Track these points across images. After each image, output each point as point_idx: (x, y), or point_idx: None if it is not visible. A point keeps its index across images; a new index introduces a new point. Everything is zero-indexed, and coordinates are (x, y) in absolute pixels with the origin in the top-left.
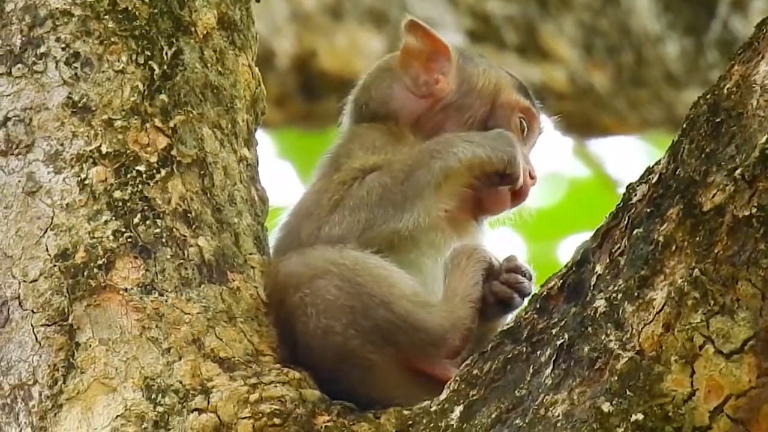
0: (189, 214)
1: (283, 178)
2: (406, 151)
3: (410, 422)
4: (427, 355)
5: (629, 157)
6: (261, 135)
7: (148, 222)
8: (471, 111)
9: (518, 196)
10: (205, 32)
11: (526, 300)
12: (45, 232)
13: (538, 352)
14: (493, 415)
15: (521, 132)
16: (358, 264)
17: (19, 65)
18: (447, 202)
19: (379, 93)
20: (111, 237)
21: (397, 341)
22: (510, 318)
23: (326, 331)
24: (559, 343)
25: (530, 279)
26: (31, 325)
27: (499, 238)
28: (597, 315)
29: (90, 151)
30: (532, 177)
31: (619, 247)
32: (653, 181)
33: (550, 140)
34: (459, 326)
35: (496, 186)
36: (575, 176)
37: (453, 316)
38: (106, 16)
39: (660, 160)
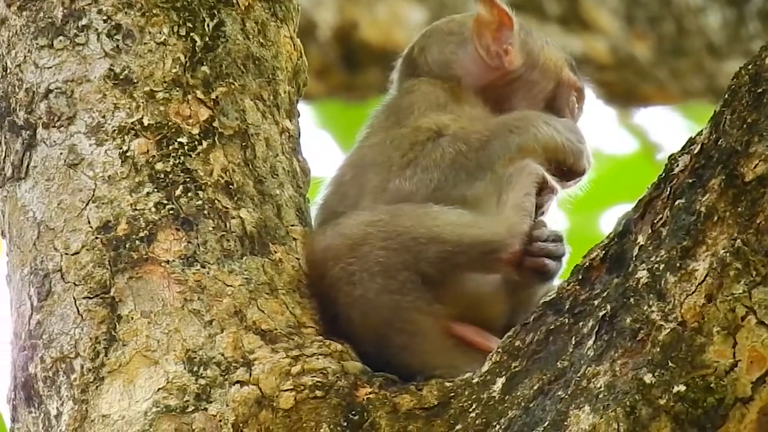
0: (231, 186)
1: (324, 150)
2: (481, 119)
3: (452, 394)
4: (491, 267)
5: (671, 127)
6: (302, 106)
7: (189, 194)
8: (538, 86)
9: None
10: (246, 4)
11: (564, 260)
12: (87, 205)
13: (580, 324)
14: (535, 387)
15: (572, 112)
16: (394, 215)
17: (61, 37)
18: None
19: (442, 56)
20: (153, 209)
21: (458, 265)
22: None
23: (379, 293)
24: (601, 314)
25: (560, 241)
26: (73, 298)
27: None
28: (639, 286)
29: (132, 123)
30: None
31: (661, 218)
32: (695, 151)
33: (593, 111)
34: (515, 231)
35: (558, 175)
36: (617, 148)
37: (507, 223)
38: None
39: (702, 131)
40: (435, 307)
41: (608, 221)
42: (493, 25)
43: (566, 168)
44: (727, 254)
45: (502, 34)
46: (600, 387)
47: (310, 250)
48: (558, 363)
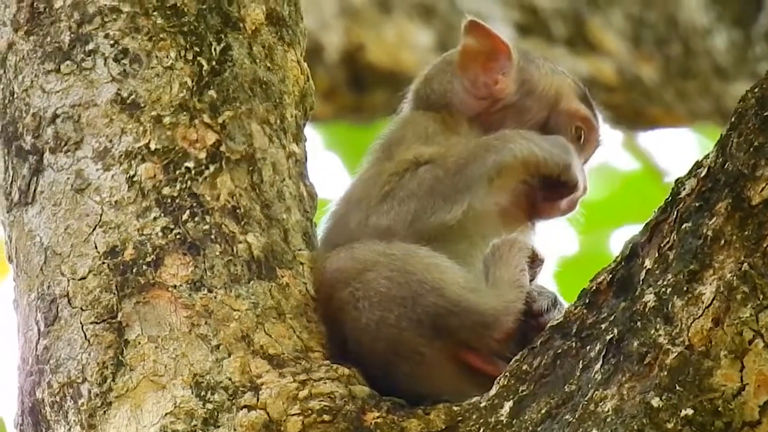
0: (238, 211)
1: (331, 171)
2: (461, 143)
3: (460, 418)
4: (481, 340)
5: (678, 149)
6: (309, 128)
7: (197, 218)
8: (530, 114)
9: (568, 205)
10: (253, 28)
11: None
12: (94, 230)
13: (588, 347)
14: (543, 411)
15: (577, 140)
16: (407, 254)
17: (68, 62)
18: (499, 196)
19: (441, 85)
20: (160, 234)
21: (449, 326)
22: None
23: (379, 323)
24: (608, 338)
25: (557, 304)
26: (80, 323)
27: (551, 230)
28: (646, 310)
29: (139, 147)
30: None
31: (668, 242)
32: (702, 174)
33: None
34: (511, 308)
35: (553, 192)
36: (626, 168)
37: (504, 299)
38: (155, 13)
39: (708, 154)
40: (436, 343)
41: (618, 241)
42: (483, 55)
43: (558, 182)
44: (734, 278)
45: (496, 62)
46: (608, 411)
47: (321, 270)
48: (565, 387)
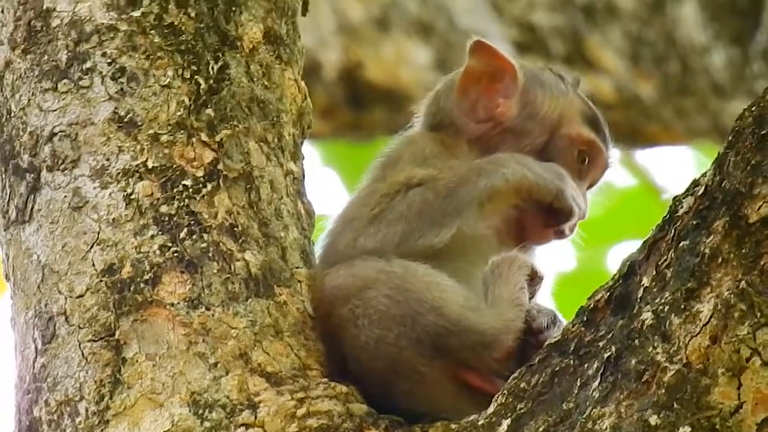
0: (235, 229)
1: (329, 188)
2: (455, 165)
3: None
4: (480, 359)
5: (676, 165)
6: (307, 145)
7: (194, 236)
8: (529, 138)
9: (562, 232)
10: (251, 46)
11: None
12: (91, 248)
13: (586, 365)
14: (541, 429)
15: (581, 163)
16: (407, 272)
17: (65, 80)
18: (490, 221)
19: (445, 105)
20: (157, 252)
21: (449, 346)
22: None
23: (378, 342)
24: (606, 355)
25: (556, 322)
26: (78, 341)
27: (550, 246)
28: (644, 327)
29: (136, 165)
30: (581, 214)
31: (665, 260)
32: (699, 193)
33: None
34: (511, 327)
35: (548, 217)
36: (624, 185)
37: (503, 318)
38: (152, 31)
39: (706, 172)
40: (435, 362)
41: (616, 258)
42: (487, 76)
43: (552, 208)
44: (732, 296)
45: (501, 84)
46: (605, 429)
47: (321, 286)
48: (563, 405)
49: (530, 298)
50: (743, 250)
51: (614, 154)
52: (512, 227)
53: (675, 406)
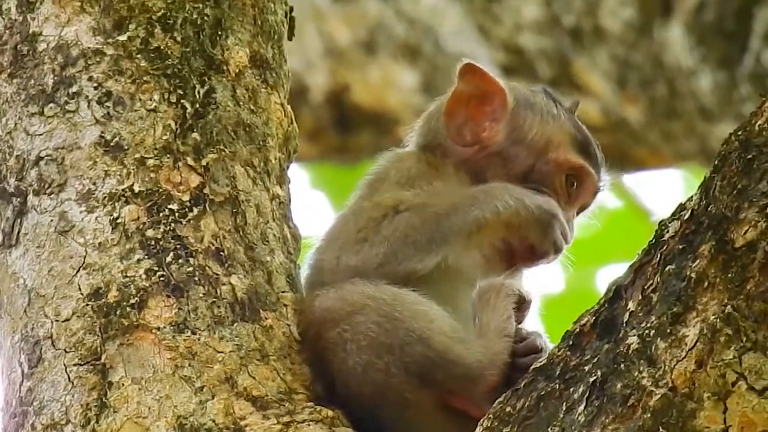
0: (222, 253)
1: (317, 210)
2: (440, 187)
3: None
4: (466, 392)
5: (663, 187)
6: (295, 168)
7: (180, 261)
8: (515, 162)
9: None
10: (237, 71)
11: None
12: (77, 272)
13: (571, 389)
14: None
15: (570, 187)
16: (396, 299)
17: (52, 104)
18: (476, 251)
19: (436, 125)
20: (143, 276)
21: (435, 378)
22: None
23: (366, 368)
24: (591, 380)
25: (543, 349)
26: (64, 365)
27: (538, 267)
28: (630, 352)
29: (122, 190)
30: (565, 241)
31: (651, 284)
32: (685, 217)
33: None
34: (496, 361)
35: (528, 249)
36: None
37: (490, 351)
38: (138, 55)
39: (692, 197)
40: (422, 390)
41: (605, 279)
42: (475, 99)
43: (531, 246)
44: (718, 320)
45: (489, 107)
46: None
47: (311, 308)
48: (549, 429)
49: (518, 323)
50: (729, 275)
51: (606, 177)
52: (501, 251)
53: (661, 430)
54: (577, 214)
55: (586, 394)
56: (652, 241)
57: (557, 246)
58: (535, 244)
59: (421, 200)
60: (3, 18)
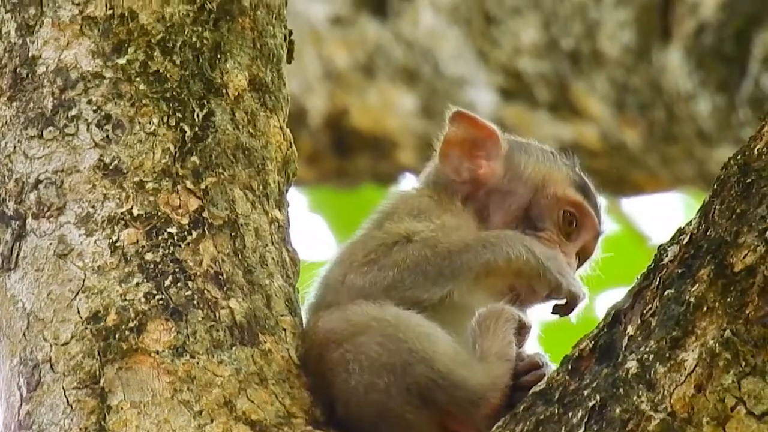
0: (220, 276)
1: (316, 233)
2: (448, 220)
3: None
4: (467, 414)
5: (661, 212)
6: (294, 190)
7: (179, 284)
8: (514, 197)
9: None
10: (236, 94)
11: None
12: (76, 295)
13: (570, 414)
14: None
15: (569, 225)
16: (399, 320)
17: (51, 128)
18: (482, 293)
19: (439, 165)
20: (142, 299)
21: (436, 399)
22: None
23: (368, 388)
24: (590, 404)
25: (545, 371)
26: (63, 389)
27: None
28: (628, 376)
29: (121, 213)
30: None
31: (650, 308)
32: (684, 241)
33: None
34: (498, 384)
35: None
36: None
37: (492, 375)
38: (137, 79)
39: (691, 221)
40: (423, 411)
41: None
42: (467, 143)
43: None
44: (717, 344)
45: (482, 149)
46: None
47: (314, 328)
48: None
49: (519, 347)
50: (728, 299)
51: (606, 223)
52: (506, 294)
53: None
54: (581, 262)
55: (585, 419)
56: (651, 265)
57: (573, 292)
58: (551, 294)
59: (433, 234)
60: (2, 41)
